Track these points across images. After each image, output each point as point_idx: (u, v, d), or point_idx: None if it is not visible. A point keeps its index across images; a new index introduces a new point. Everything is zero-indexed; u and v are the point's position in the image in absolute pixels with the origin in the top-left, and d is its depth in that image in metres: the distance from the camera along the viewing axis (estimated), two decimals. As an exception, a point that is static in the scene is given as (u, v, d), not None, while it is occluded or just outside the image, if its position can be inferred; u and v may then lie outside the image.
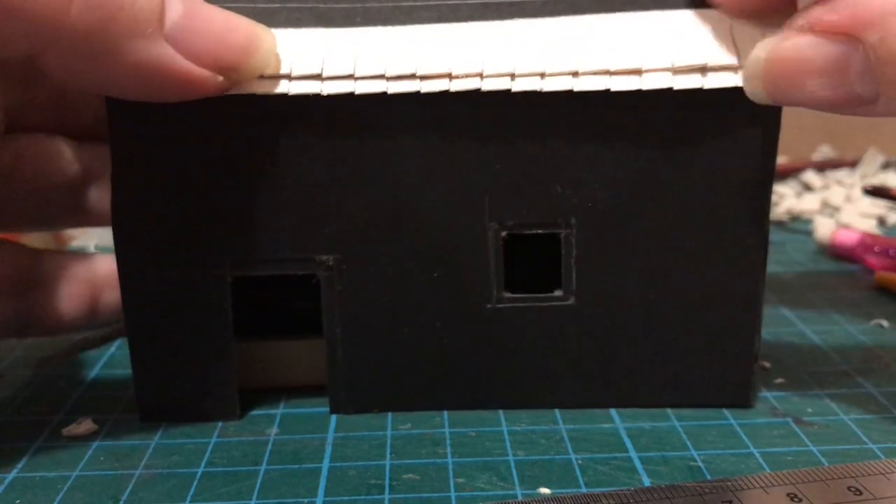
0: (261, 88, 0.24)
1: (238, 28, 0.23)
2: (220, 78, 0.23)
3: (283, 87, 0.24)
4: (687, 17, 0.25)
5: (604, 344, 0.27)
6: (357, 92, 0.24)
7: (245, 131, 0.24)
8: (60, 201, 0.30)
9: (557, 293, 0.26)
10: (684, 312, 0.26)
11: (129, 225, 0.25)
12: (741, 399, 0.27)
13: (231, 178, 0.25)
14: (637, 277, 0.26)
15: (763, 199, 0.25)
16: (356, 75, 0.24)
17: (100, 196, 0.31)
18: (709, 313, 0.26)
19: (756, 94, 0.23)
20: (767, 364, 0.30)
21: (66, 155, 0.29)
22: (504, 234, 0.25)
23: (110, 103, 0.24)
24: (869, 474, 0.22)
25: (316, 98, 0.24)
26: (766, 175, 0.25)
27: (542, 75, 0.24)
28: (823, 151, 0.67)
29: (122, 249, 0.25)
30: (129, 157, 0.25)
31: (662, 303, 0.26)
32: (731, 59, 0.24)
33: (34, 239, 0.46)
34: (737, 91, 0.23)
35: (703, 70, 0.24)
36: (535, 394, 0.27)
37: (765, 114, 0.24)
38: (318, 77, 0.24)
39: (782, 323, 0.35)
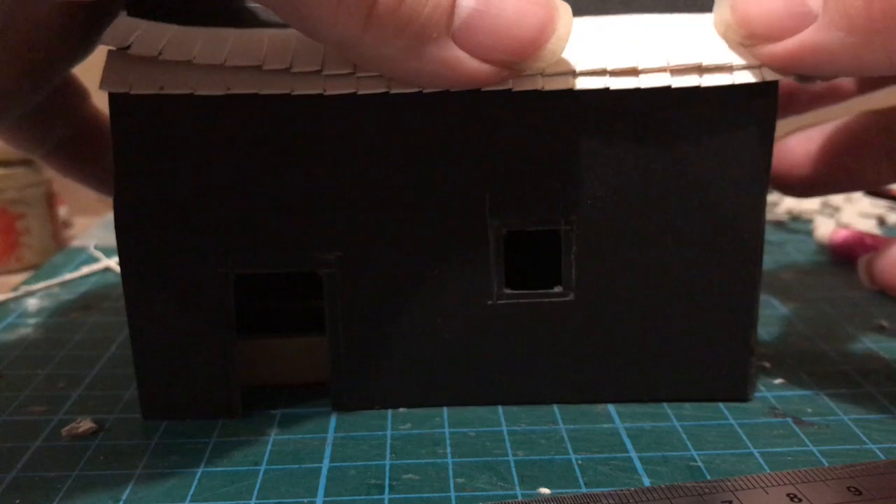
0: (265, 89, 0.24)
1: (530, 15, 0.22)
2: (506, 72, 0.23)
3: (287, 87, 0.24)
4: (683, 19, 0.25)
5: (603, 339, 0.27)
6: (359, 92, 0.24)
7: (248, 129, 0.24)
8: None
9: (557, 289, 0.26)
10: (682, 307, 0.26)
11: (133, 222, 0.25)
12: (738, 393, 0.27)
13: (234, 175, 0.25)
14: (636, 273, 0.26)
15: (760, 195, 0.25)
16: (358, 74, 0.24)
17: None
18: (706, 308, 0.26)
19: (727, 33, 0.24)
20: (767, 364, 0.30)
21: None
22: (504, 230, 0.25)
23: (113, 101, 0.24)
24: (869, 474, 0.22)
25: (318, 98, 0.24)
26: (763, 172, 0.25)
27: (542, 74, 0.24)
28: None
29: (125, 246, 0.25)
30: (132, 155, 0.25)
31: (661, 298, 0.26)
32: (726, 59, 0.24)
33: (34, 238, 0.46)
34: (733, 89, 0.24)
35: (700, 69, 0.24)
36: (536, 389, 0.27)
37: (761, 112, 0.25)
38: (318, 76, 0.24)
39: (782, 323, 0.35)
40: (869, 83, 0.32)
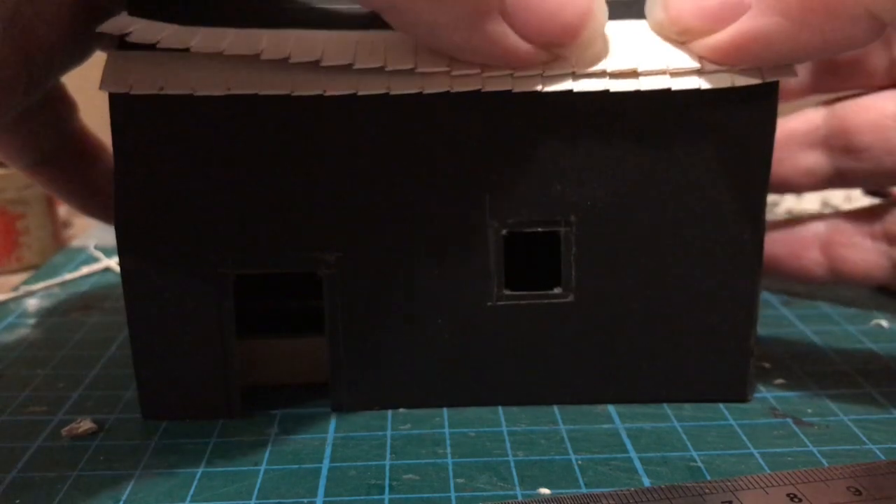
0: (265, 89, 0.24)
1: (571, 4, 0.22)
2: (545, 54, 0.23)
3: (287, 88, 0.24)
4: None
5: (603, 340, 0.27)
6: (359, 93, 0.24)
7: (248, 130, 0.24)
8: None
9: (557, 290, 0.26)
10: (682, 308, 0.26)
11: (133, 222, 0.25)
12: (738, 393, 0.27)
13: (234, 176, 0.25)
14: (635, 274, 0.26)
15: (759, 197, 0.25)
16: (357, 66, 0.24)
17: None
18: (706, 309, 0.26)
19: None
20: (767, 364, 0.30)
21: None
22: (504, 231, 0.25)
23: (113, 101, 0.24)
24: (869, 475, 0.22)
25: (318, 98, 0.24)
26: (762, 173, 0.25)
27: (542, 76, 0.24)
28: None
29: (125, 247, 0.25)
30: (132, 155, 0.25)
31: (660, 299, 0.26)
32: None
33: (34, 238, 0.46)
34: (733, 91, 0.24)
35: (700, 72, 0.24)
36: (535, 390, 0.27)
37: (761, 113, 0.25)
38: (318, 75, 0.24)
39: (782, 323, 0.35)
40: (821, 85, 0.32)
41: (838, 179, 0.31)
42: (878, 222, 0.30)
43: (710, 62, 0.24)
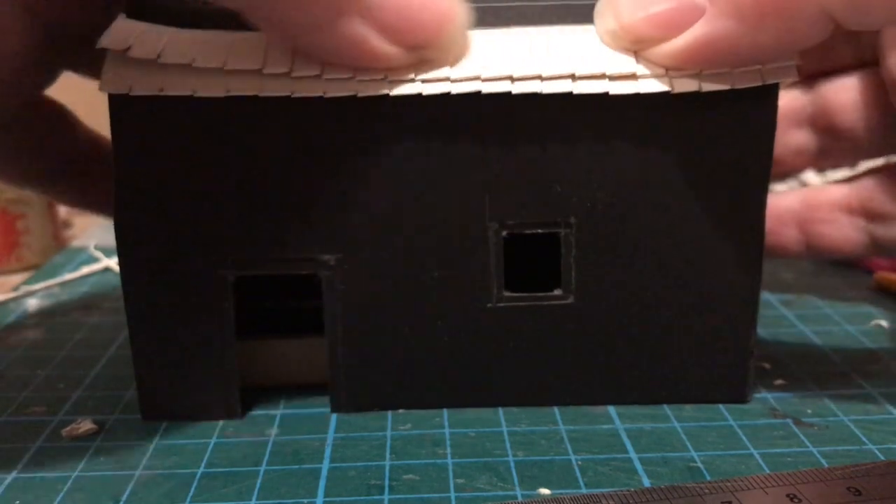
0: (264, 90, 0.24)
1: (429, 6, 0.22)
2: (412, 56, 0.23)
3: (287, 89, 0.24)
4: None
5: (603, 342, 0.27)
6: (359, 95, 0.24)
7: (247, 132, 0.24)
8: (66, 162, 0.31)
9: (557, 292, 0.26)
10: (682, 310, 0.26)
11: (133, 224, 0.25)
12: (738, 395, 0.27)
13: (233, 178, 0.25)
14: (635, 276, 0.26)
15: (759, 198, 0.25)
16: (357, 77, 0.24)
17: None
18: (706, 311, 0.26)
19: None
20: (767, 365, 0.30)
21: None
22: (504, 233, 0.25)
23: (113, 102, 0.24)
24: (869, 475, 0.22)
25: (318, 100, 0.24)
26: (762, 173, 0.25)
27: (541, 78, 0.24)
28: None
29: (125, 249, 0.25)
30: (132, 157, 0.25)
31: (660, 301, 0.26)
32: None
33: (34, 238, 0.46)
34: (733, 93, 0.24)
35: (699, 74, 0.24)
36: (535, 391, 0.27)
37: (761, 115, 0.25)
38: (319, 79, 0.24)
39: (782, 323, 0.35)
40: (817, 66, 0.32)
41: (823, 158, 0.31)
42: (854, 197, 0.29)
43: (669, 69, 0.24)
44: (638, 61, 0.24)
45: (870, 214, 0.29)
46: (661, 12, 0.23)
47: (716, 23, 0.22)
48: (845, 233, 0.30)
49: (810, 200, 0.31)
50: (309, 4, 0.21)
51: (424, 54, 0.23)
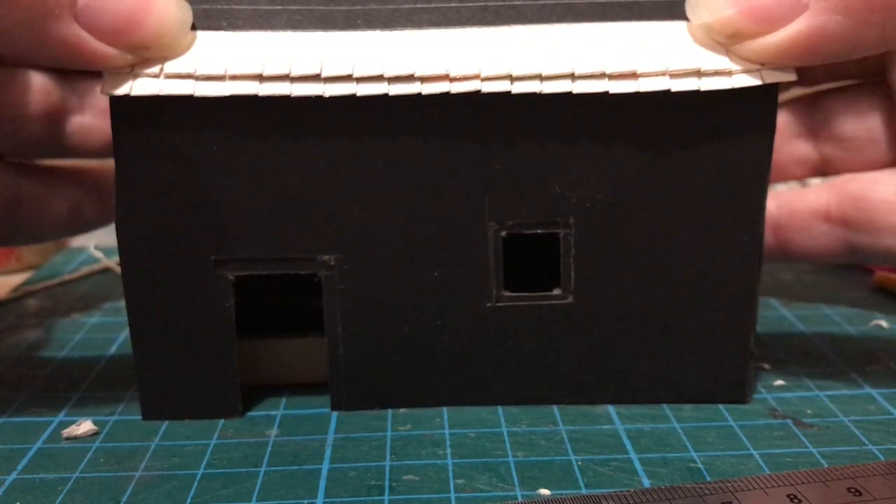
0: (264, 90, 0.24)
1: (148, 6, 0.23)
2: (129, 56, 0.23)
3: (286, 89, 0.24)
4: (682, 26, 0.25)
5: (602, 341, 0.27)
6: (358, 94, 0.24)
7: (247, 132, 0.24)
8: (38, 133, 0.30)
9: (556, 292, 0.26)
10: (681, 310, 0.26)
11: (133, 224, 0.25)
12: (737, 395, 0.27)
13: (234, 178, 0.25)
14: (635, 276, 0.26)
15: (758, 198, 0.25)
16: (356, 76, 0.24)
17: (78, 128, 0.30)
18: (705, 311, 0.26)
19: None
20: (767, 365, 0.30)
21: (42, 86, 0.29)
22: (503, 233, 0.25)
23: (113, 103, 0.24)
24: (869, 475, 0.22)
25: (318, 100, 0.24)
26: (762, 174, 0.25)
27: (541, 78, 0.24)
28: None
29: (126, 248, 0.25)
30: (132, 156, 0.25)
31: (659, 301, 0.26)
32: (725, 63, 0.24)
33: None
34: (733, 93, 0.24)
35: (699, 73, 0.24)
36: (534, 391, 0.27)
37: (761, 115, 0.25)
38: (318, 79, 0.24)
39: (782, 324, 0.35)
40: (822, 77, 0.32)
41: (825, 168, 0.31)
42: (834, 205, 0.29)
43: (759, 64, 0.24)
44: (638, 59, 0.24)
45: (849, 224, 0.29)
46: (760, 5, 0.22)
47: (821, 17, 0.22)
48: (820, 242, 0.30)
49: (787, 206, 0.31)
50: (15, 7, 0.21)
51: (145, 54, 0.23)
